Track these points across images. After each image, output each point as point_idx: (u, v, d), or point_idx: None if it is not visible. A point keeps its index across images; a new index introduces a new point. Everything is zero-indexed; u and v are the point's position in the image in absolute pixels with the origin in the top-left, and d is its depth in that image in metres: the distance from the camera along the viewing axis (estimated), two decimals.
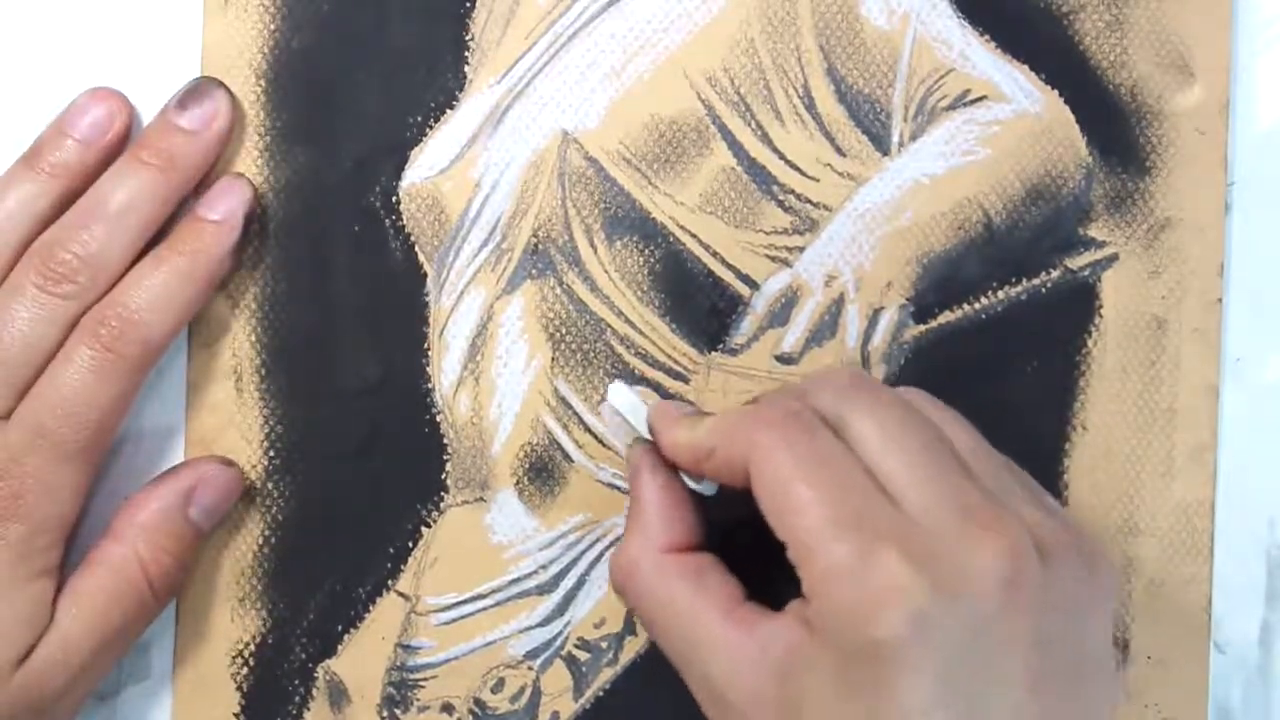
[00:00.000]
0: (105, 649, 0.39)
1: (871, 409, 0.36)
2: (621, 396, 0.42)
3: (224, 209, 0.41)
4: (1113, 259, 0.43)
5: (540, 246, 0.42)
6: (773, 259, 0.43)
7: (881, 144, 0.43)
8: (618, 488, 0.43)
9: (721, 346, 0.43)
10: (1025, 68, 0.43)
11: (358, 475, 0.42)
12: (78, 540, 0.40)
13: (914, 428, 0.36)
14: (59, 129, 0.40)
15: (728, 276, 0.42)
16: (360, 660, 0.42)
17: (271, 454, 0.42)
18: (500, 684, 0.42)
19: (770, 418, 0.36)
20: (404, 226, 0.42)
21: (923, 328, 0.43)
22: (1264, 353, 0.43)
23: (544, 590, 0.42)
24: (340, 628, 0.42)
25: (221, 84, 0.41)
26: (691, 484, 0.39)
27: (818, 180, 0.43)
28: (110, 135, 0.40)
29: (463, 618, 0.42)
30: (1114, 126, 0.43)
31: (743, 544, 0.38)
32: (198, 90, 0.41)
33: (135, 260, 0.40)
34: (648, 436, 0.40)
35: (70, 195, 0.40)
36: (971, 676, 0.32)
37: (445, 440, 0.42)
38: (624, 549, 0.38)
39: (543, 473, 0.43)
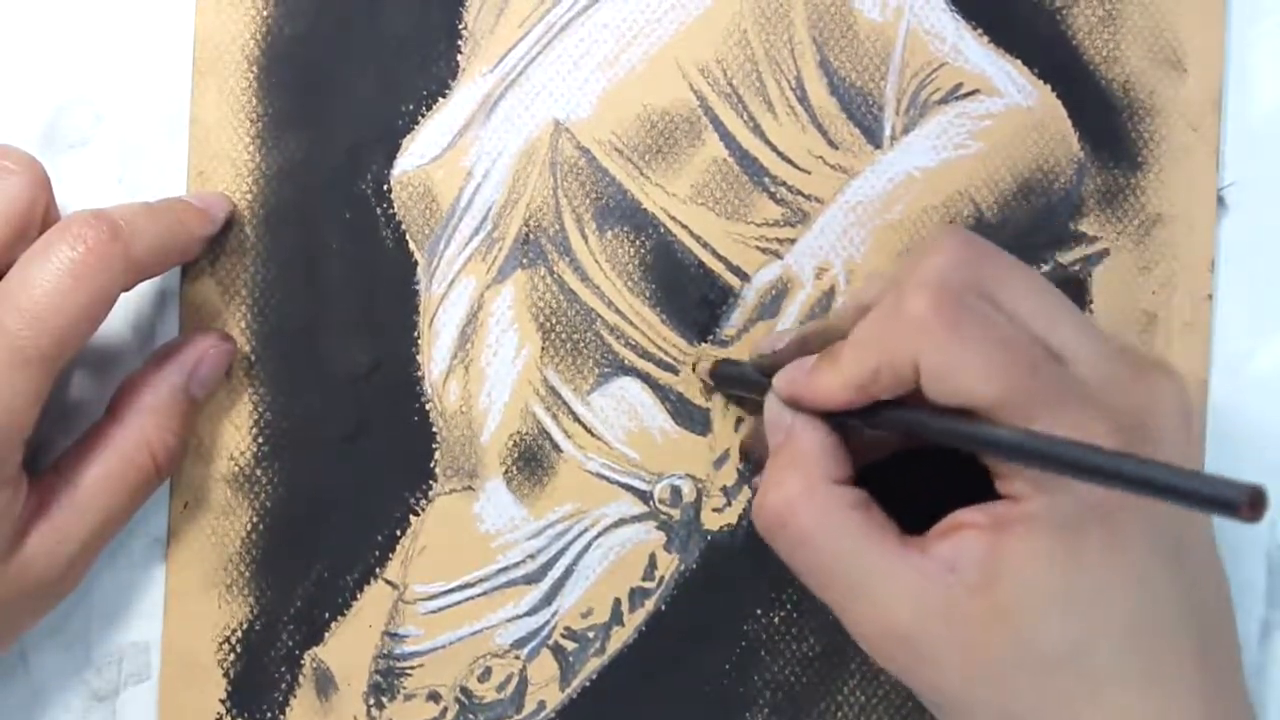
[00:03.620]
0: (103, 532, 0.39)
1: (1018, 278, 0.35)
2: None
3: (211, 205, 0.41)
4: (1104, 254, 0.43)
5: (531, 236, 0.42)
6: (764, 251, 0.43)
7: (874, 137, 0.43)
8: (606, 478, 0.43)
9: (711, 338, 0.43)
10: (1018, 62, 0.43)
11: (346, 463, 0.42)
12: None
13: (1057, 293, 0.35)
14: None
15: (718, 268, 0.42)
16: (347, 648, 0.42)
17: (260, 441, 0.42)
18: (487, 673, 0.42)
19: (929, 309, 0.33)
20: (395, 214, 0.42)
21: None
22: (1256, 347, 0.43)
23: (531, 580, 0.42)
24: (328, 615, 0.42)
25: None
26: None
27: (809, 172, 0.43)
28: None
29: (450, 606, 0.42)
30: (1106, 121, 0.43)
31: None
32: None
33: None
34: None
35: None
36: (1173, 515, 0.33)
37: (434, 429, 0.42)
38: (778, 489, 0.36)
39: (531, 462, 0.43)
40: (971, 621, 0.33)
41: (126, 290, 0.39)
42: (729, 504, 0.42)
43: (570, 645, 0.43)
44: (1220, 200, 0.43)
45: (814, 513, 0.35)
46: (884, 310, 0.35)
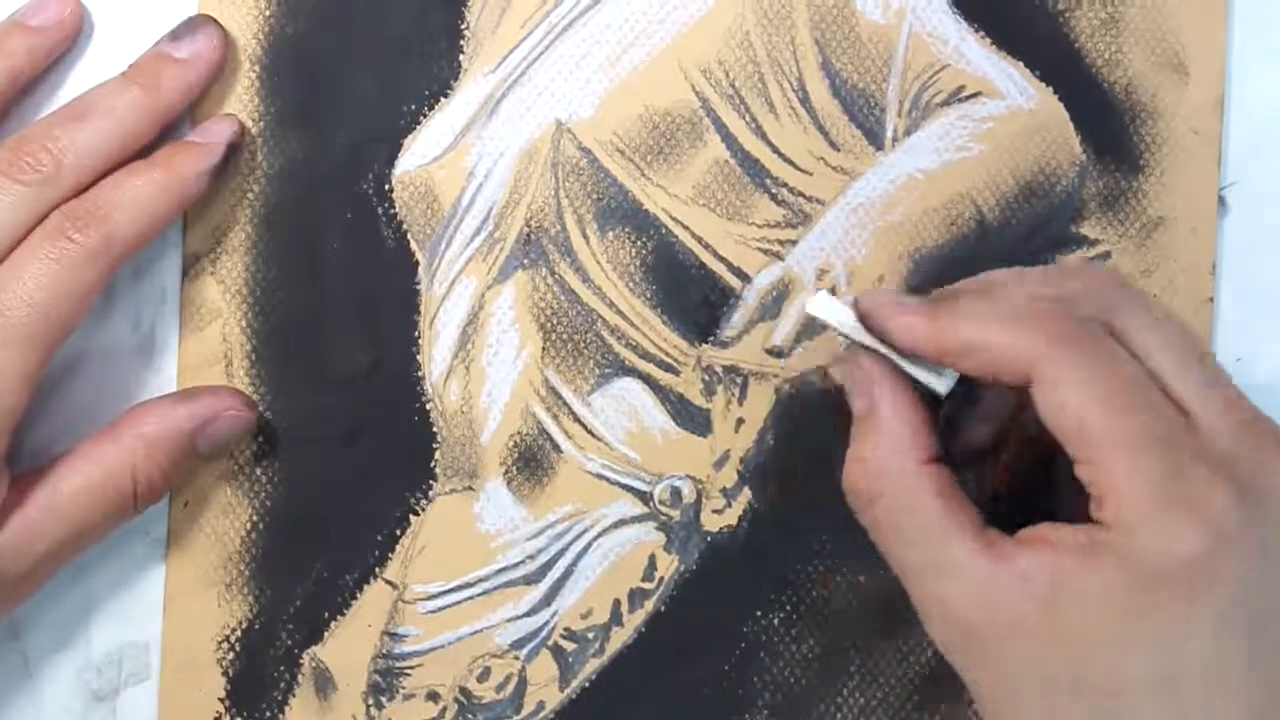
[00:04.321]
0: (72, 543, 0.39)
1: (1148, 320, 0.35)
2: (822, 306, 0.37)
3: (208, 134, 0.41)
4: (1105, 257, 0.43)
5: (532, 236, 0.42)
6: (765, 252, 0.43)
7: (875, 138, 0.43)
8: (606, 478, 0.43)
9: (712, 339, 0.43)
10: (1020, 64, 0.43)
11: (347, 462, 0.42)
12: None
13: (1190, 340, 0.35)
14: (10, 20, 0.41)
15: (719, 269, 0.43)
16: (346, 648, 0.42)
17: (261, 439, 0.42)
18: (486, 673, 0.42)
19: (1059, 326, 0.34)
20: (396, 214, 0.42)
21: None
22: (1257, 349, 0.43)
23: (531, 580, 0.42)
24: (327, 615, 0.42)
25: (214, 20, 0.41)
26: (926, 379, 0.36)
27: (811, 174, 0.43)
28: (61, 25, 0.41)
29: (449, 606, 0.42)
30: (1108, 124, 0.43)
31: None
32: (191, 25, 0.41)
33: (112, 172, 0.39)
34: (865, 341, 0.37)
35: (20, 78, 0.41)
36: (1258, 590, 0.33)
37: (435, 429, 0.42)
38: (872, 454, 0.36)
39: (531, 462, 0.43)
40: (1034, 635, 0.33)
41: (127, 261, 0.39)
42: (729, 505, 0.42)
43: (569, 646, 0.43)
44: (1221, 201, 0.43)
45: (900, 492, 0.35)
46: (1016, 307, 0.35)
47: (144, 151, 0.40)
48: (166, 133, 0.41)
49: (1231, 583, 0.33)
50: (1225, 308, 0.43)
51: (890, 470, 0.35)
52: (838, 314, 0.37)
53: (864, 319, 0.37)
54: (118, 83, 0.40)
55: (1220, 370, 0.35)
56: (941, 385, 0.36)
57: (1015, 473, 0.39)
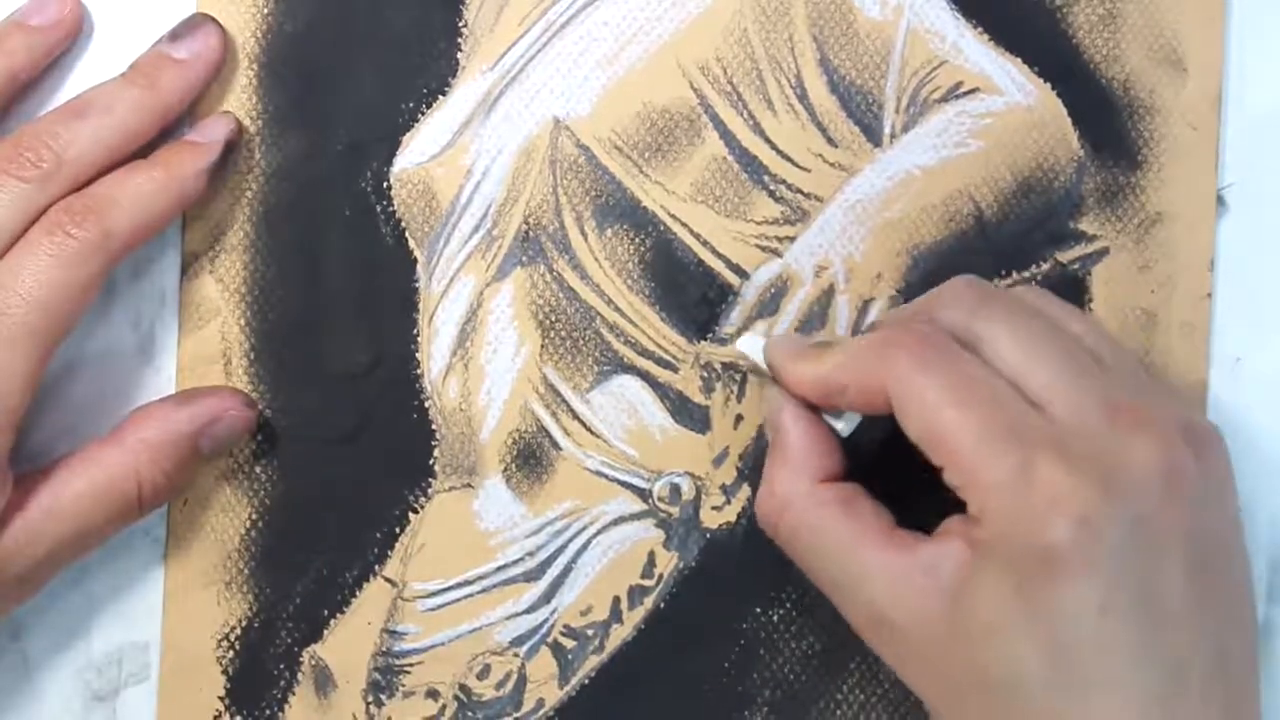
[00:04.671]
0: (74, 546, 0.39)
1: (1003, 321, 0.36)
2: (749, 345, 0.41)
3: (206, 133, 0.41)
4: (1103, 253, 0.43)
5: (531, 234, 0.42)
6: (763, 249, 0.43)
7: (873, 135, 0.43)
8: (605, 475, 0.43)
9: (711, 336, 0.43)
10: (1018, 60, 0.43)
11: (346, 460, 0.42)
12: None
13: (1048, 334, 0.36)
14: (10, 19, 0.41)
15: (718, 266, 0.43)
16: (346, 645, 0.42)
17: (260, 438, 0.42)
18: (486, 670, 0.42)
19: (904, 343, 0.36)
20: (395, 212, 0.42)
21: None
22: (1259, 348, 0.43)
23: (530, 577, 0.42)
24: (326, 613, 0.42)
25: (213, 19, 0.41)
26: (829, 420, 0.39)
27: (809, 171, 0.43)
28: (61, 24, 0.41)
29: (449, 604, 0.42)
30: (1106, 120, 0.43)
31: (877, 474, 0.38)
32: (190, 24, 0.41)
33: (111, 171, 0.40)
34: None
35: (19, 77, 0.41)
36: (1136, 571, 0.34)
37: (434, 426, 0.42)
38: (771, 487, 0.38)
39: (530, 460, 0.43)
40: (937, 628, 0.35)
41: (125, 257, 0.39)
42: (728, 502, 0.42)
43: (569, 643, 0.43)
44: (1220, 200, 0.43)
45: (802, 512, 0.37)
46: (874, 336, 0.38)
47: (143, 151, 0.40)
48: (166, 131, 0.41)
49: (1106, 567, 0.33)
50: (1224, 307, 0.43)
51: (795, 492, 0.38)
52: (758, 354, 0.40)
53: (768, 364, 0.40)
54: (118, 82, 0.40)
55: (1084, 361, 0.36)
56: (842, 426, 0.39)
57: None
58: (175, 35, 0.41)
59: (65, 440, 0.41)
